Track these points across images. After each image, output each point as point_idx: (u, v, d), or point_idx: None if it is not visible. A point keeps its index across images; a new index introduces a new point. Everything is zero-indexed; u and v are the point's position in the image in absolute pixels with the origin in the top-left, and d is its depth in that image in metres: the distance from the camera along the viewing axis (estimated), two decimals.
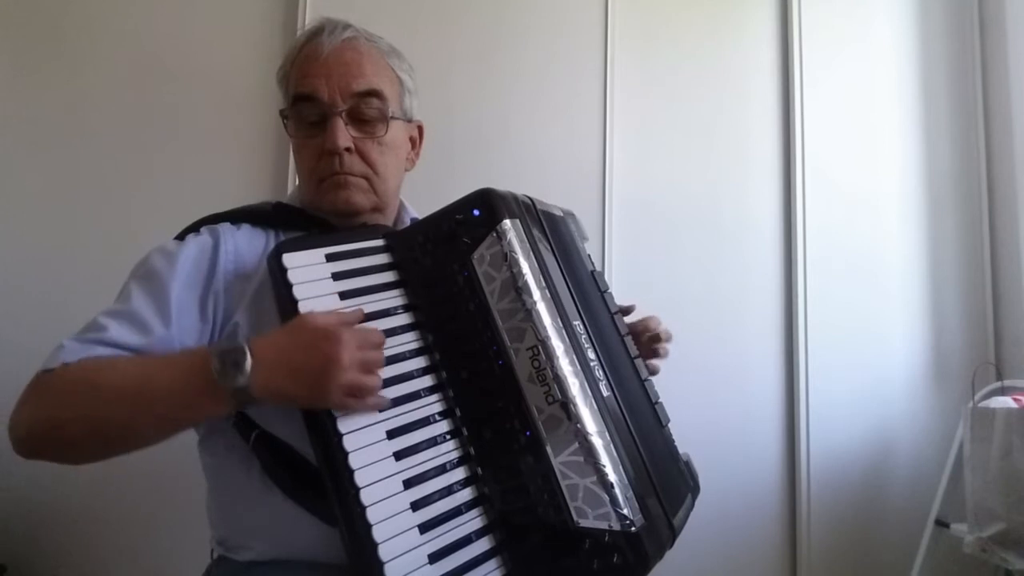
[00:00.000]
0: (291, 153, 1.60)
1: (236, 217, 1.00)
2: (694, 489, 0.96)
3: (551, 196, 0.99)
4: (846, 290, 1.83)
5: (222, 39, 1.69)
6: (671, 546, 0.82)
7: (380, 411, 0.79)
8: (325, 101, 0.96)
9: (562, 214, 1.02)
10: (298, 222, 1.00)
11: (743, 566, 1.72)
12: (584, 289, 0.94)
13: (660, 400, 0.99)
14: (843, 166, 1.87)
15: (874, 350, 1.83)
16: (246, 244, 0.96)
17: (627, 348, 0.98)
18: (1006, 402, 1.51)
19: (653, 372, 1.06)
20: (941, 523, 1.60)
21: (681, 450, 1.00)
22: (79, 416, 0.77)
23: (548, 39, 1.78)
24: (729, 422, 1.75)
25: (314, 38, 0.99)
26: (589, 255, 1.05)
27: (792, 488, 1.76)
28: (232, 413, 0.81)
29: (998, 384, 1.64)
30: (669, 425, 0.98)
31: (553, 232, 0.93)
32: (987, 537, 1.42)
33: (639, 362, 0.99)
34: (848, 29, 1.92)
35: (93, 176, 1.62)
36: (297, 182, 1.08)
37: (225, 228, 0.97)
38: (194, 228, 0.98)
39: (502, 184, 0.90)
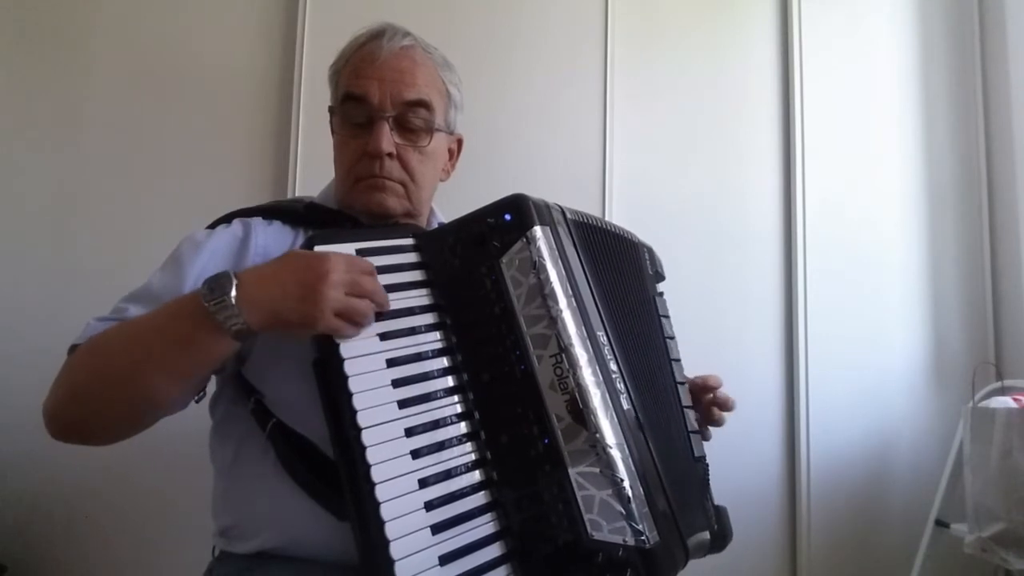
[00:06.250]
0: (291, 153, 1.60)
1: (269, 213, 1.01)
2: (718, 536, 0.93)
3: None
4: (846, 291, 1.82)
5: (222, 39, 1.68)
6: (684, 566, 0.81)
7: (395, 393, 0.79)
8: (374, 105, 0.97)
9: (636, 242, 1.04)
10: (330, 223, 1.01)
11: (743, 566, 1.71)
12: (618, 305, 0.93)
13: (697, 430, 0.98)
14: (843, 167, 1.87)
15: (874, 350, 1.82)
16: (275, 241, 0.96)
17: (674, 372, 0.98)
18: (1006, 402, 1.51)
19: (705, 437, 1.05)
20: (941, 523, 1.60)
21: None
22: (90, 375, 0.80)
23: (548, 42, 1.77)
24: (729, 422, 1.73)
25: (372, 40, 1.00)
26: (661, 292, 1.05)
27: (792, 488, 1.76)
28: (234, 351, 0.80)
29: (998, 384, 1.64)
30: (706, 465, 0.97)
31: (587, 244, 0.92)
32: (987, 537, 1.42)
33: (683, 388, 0.98)
34: (848, 29, 1.92)
35: (92, 176, 1.61)
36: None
37: (257, 222, 0.98)
38: (226, 219, 0.99)
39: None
